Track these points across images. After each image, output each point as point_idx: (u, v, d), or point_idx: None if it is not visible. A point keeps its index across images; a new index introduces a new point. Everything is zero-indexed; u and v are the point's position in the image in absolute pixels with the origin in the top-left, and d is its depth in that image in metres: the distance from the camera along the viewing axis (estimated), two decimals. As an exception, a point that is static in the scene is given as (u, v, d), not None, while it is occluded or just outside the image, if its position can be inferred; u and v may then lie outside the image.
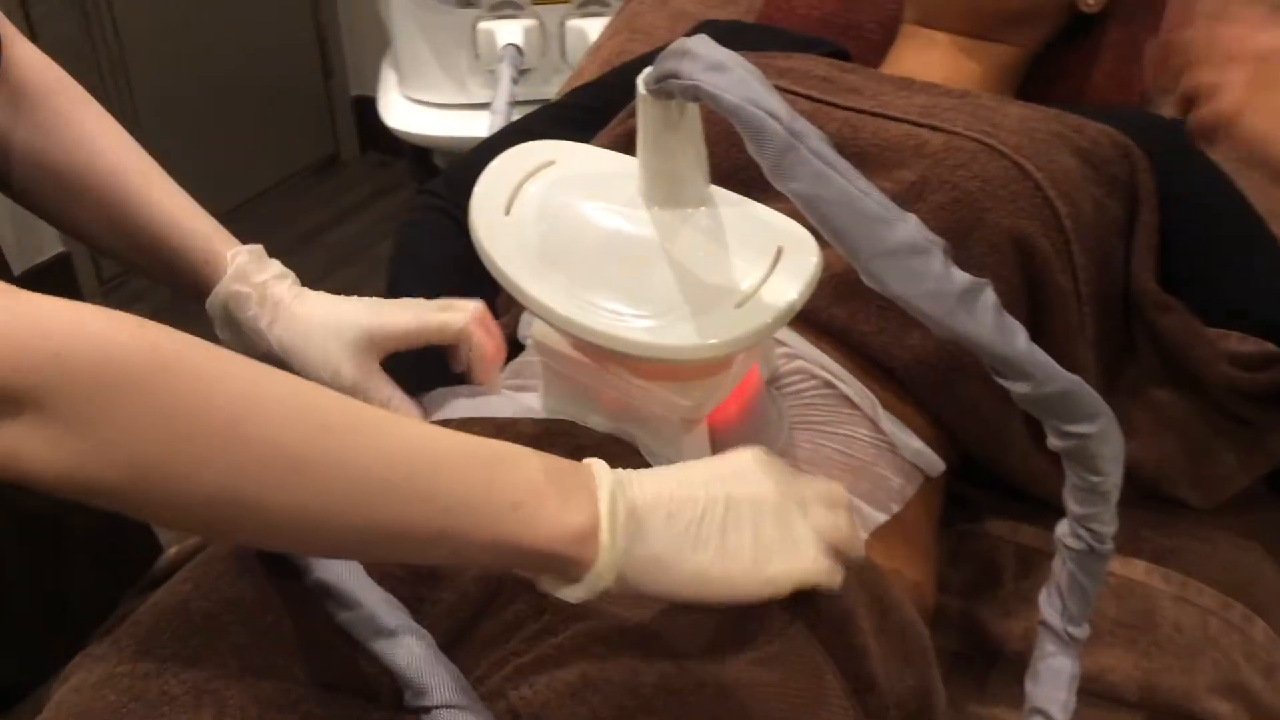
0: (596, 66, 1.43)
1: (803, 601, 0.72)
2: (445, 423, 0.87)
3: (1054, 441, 0.66)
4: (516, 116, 1.59)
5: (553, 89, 1.77)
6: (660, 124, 0.70)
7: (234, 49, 2.90)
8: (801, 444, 0.86)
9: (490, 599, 0.74)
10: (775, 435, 0.86)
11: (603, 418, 0.83)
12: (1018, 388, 0.63)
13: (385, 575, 0.73)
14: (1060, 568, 0.73)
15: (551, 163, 0.81)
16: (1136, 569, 0.94)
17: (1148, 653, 0.90)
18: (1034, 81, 1.20)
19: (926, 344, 0.90)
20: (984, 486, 1.01)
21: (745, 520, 0.66)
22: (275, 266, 0.88)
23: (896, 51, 1.20)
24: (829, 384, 0.90)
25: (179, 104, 2.78)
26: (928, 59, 1.15)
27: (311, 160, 3.24)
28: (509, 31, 1.68)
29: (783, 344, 0.91)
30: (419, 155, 1.87)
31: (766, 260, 0.73)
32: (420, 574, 0.74)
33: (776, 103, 0.61)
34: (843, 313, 0.91)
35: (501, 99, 1.61)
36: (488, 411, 0.88)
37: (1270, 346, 0.98)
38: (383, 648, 0.69)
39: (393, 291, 1.15)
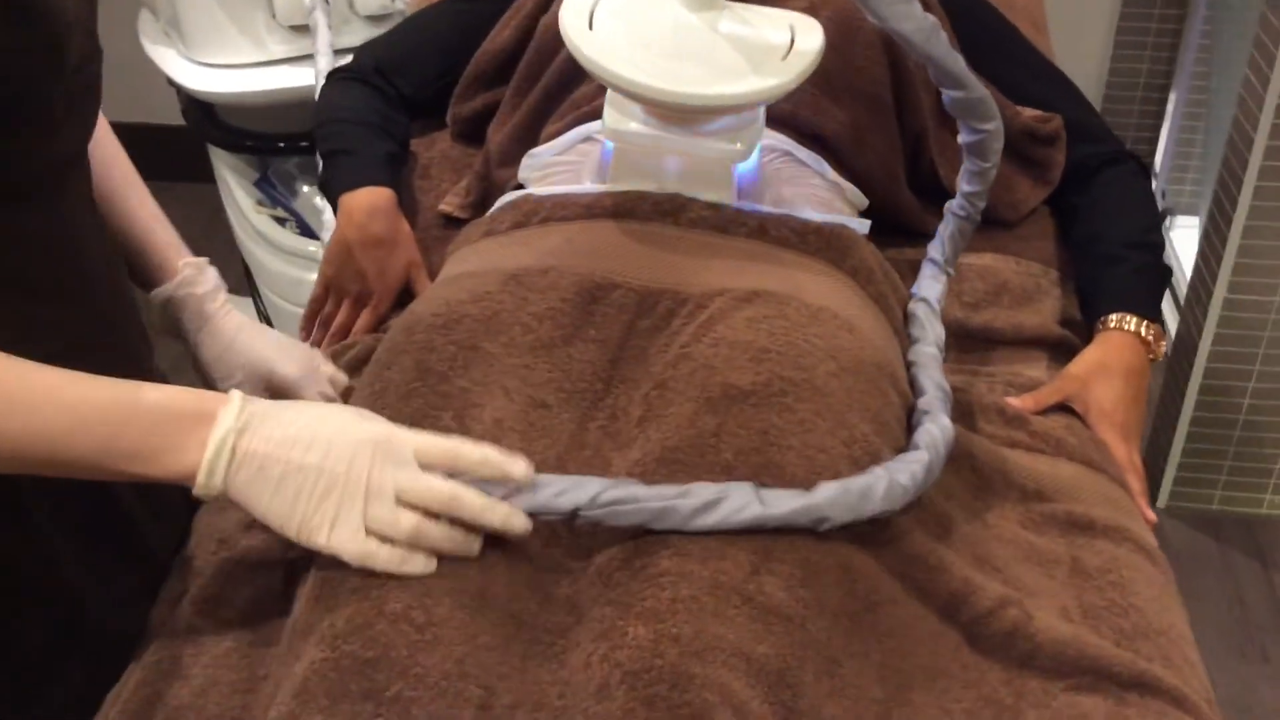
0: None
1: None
2: (528, 201, 1.16)
3: (964, 137, 1.03)
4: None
5: (345, 38, 1.95)
6: None
7: None
8: (783, 189, 1.21)
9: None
10: (765, 187, 1.21)
11: (663, 182, 1.14)
12: (956, 94, 0.99)
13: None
14: (945, 227, 1.17)
15: None
16: (985, 258, 1.35)
17: (1006, 305, 1.30)
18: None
19: (843, 118, 1.27)
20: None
21: (309, 491, 0.80)
22: (212, 280, 1.09)
23: None
24: (788, 153, 1.25)
25: None
26: None
27: None
28: (307, -13, 1.85)
29: (751, 129, 1.25)
30: (204, 110, 2.01)
31: (787, 31, 1.07)
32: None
33: None
34: (788, 105, 1.26)
35: (323, 43, 1.77)
36: (571, 191, 1.17)
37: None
38: None
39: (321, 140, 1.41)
